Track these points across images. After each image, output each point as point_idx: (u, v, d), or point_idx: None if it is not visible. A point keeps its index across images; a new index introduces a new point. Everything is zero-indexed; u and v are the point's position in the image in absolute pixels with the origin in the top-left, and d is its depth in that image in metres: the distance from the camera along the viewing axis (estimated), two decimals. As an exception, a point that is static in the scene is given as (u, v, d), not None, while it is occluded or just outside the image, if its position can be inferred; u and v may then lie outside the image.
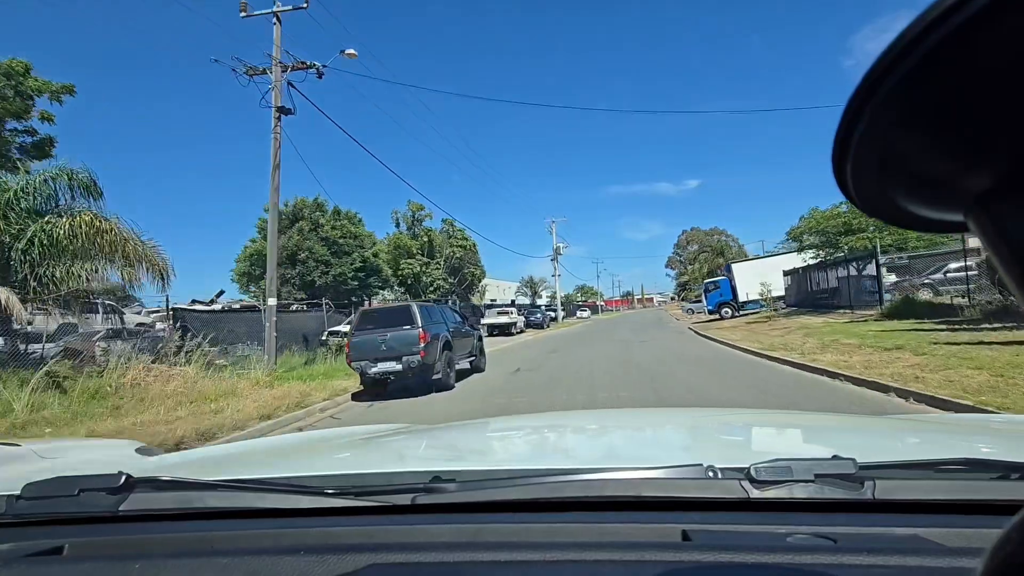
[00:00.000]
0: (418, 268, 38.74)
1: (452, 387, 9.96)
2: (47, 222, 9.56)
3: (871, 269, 18.11)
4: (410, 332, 9.35)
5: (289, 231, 30.81)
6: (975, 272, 13.44)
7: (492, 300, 51.06)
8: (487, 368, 12.67)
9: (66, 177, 10.23)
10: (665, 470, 0.96)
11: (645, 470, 0.97)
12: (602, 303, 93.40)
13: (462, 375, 11.41)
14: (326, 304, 18.56)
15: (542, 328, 35.16)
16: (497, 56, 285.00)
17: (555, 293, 55.09)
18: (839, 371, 7.96)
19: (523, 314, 35.20)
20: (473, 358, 12.10)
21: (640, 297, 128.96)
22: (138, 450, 2.55)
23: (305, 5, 12.16)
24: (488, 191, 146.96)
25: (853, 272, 19.42)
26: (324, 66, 11.94)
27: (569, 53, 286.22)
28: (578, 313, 61.95)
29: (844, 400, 6.49)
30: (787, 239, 26.70)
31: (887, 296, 16.91)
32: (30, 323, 9.84)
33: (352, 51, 12.12)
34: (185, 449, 5.47)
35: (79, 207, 10.29)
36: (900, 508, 0.89)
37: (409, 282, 37.89)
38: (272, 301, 11.84)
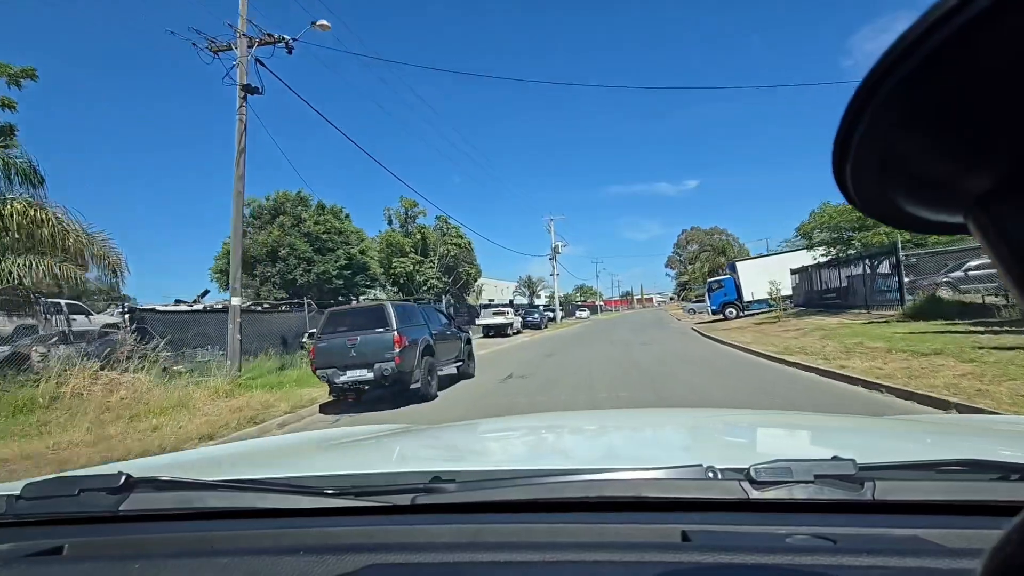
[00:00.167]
0: (411, 267, 37.47)
1: (434, 397, 8.88)
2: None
3: (885, 267, 17.13)
4: (383, 336, 8.22)
5: (270, 226, 29.60)
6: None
7: (490, 300, 49.98)
8: (477, 373, 11.64)
9: (0, 162, 9.14)
10: (665, 470, 0.95)
11: (645, 470, 0.97)
12: (601, 303, 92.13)
13: (449, 381, 10.40)
14: (308, 304, 17.44)
15: (540, 329, 34.01)
16: (497, 56, 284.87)
17: (553, 293, 53.77)
18: (877, 380, 6.88)
19: (520, 314, 33.94)
20: (460, 363, 10.99)
21: (640, 297, 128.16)
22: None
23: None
24: (488, 191, 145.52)
25: (868, 270, 18.38)
26: (294, 39, 10.77)
27: (569, 53, 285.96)
28: (577, 313, 60.97)
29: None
30: (796, 235, 25.70)
31: (908, 295, 15.85)
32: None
33: (324, 22, 10.97)
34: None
35: (17, 196, 9.21)
36: (900, 509, 0.89)
37: (402, 281, 36.67)
38: (236, 300, 10.69)
